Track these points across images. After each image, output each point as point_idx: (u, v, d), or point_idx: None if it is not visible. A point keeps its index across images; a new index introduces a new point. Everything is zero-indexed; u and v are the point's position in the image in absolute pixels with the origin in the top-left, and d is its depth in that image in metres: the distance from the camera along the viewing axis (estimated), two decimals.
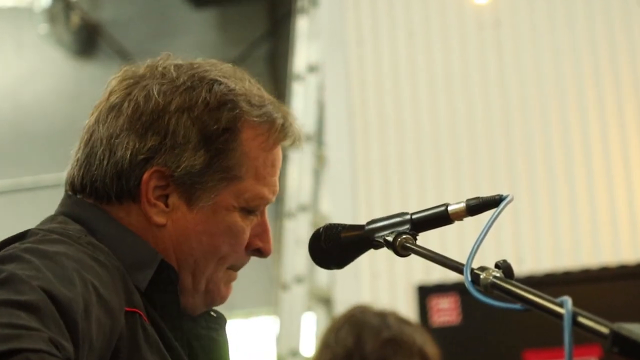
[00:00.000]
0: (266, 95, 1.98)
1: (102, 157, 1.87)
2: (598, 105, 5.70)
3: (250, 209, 1.92)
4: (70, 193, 1.92)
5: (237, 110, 1.89)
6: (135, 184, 1.86)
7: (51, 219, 1.88)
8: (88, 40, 8.55)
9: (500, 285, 1.62)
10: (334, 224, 2.02)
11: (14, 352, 1.34)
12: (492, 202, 1.89)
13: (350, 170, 5.77)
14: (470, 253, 1.69)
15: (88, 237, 1.79)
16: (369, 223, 1.98)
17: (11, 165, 7.81)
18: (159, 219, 1.87)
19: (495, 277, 1.64)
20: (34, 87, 7.97)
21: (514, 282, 1.62)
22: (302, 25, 6.87)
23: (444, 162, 5.78)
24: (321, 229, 2.01)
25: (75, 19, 8.55)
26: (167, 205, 1.87)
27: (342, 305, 5.68)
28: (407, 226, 1.93)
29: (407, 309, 5.46)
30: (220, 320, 1.99)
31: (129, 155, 1.85)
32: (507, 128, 5.79)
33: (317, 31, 6.54)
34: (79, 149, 1.92)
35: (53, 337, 1.42)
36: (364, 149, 5.83)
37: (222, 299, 1.97)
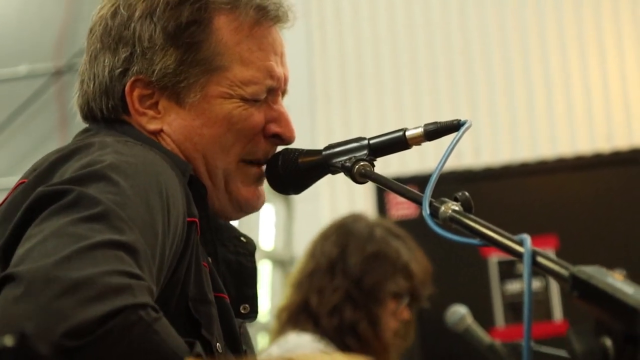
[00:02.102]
0: None
1: (89, 82, 1.92)
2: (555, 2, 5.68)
3: (249, 97, 1.91)
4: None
5: (202, 2, 1.89)
6: (119, 98, 1.89)
7: (96, 130, 1.90)
8: None
9: (459, 220, 1.61)
10: (291, 149, 2.00)
11: (126, 308, 1.36)
12: (451, 127, 1.88)
13: (308, 70, 5.71)
14: (429, 184, 1.67)
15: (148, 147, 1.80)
16: (326, 148, 1.96)
17: None
18: (153, 126, 1.89)
19: (454, 210, 1.62)
20: None
21: (472, 216, 1.60)
22: None
23: (401, 58, 5.74)
24: (278, 155, 1.98)
25: None
26: (158, 112, 1.89)
27: (300, 198, 5.69)
28: (365, 152, 1.92)
29: (366, 202, 5.48)
30: (249, 246, 2.00)
31: (107, 72, 1.90)
32: (464, 11, 5.74)
33: None
34: (76, 82, 1.98)
35: (150, 285, 1.44)
36: (321, 50, 5.76)
37: (247, 200, 1.96)
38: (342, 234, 3.54)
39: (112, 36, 1.89)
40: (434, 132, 1.89)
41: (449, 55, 5.69)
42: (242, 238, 2.00)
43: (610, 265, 5.04)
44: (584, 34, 5.60)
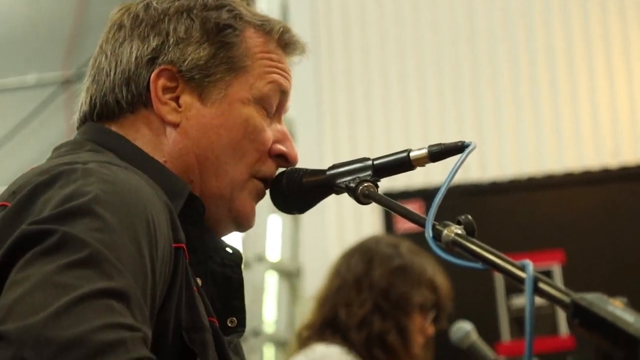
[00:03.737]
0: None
1: (108, 70, 1.89)
2: (564, 13, 5.66)
3: (265, 101, 1.93)
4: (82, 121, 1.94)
5: (236, 12, 1.94)
6: (144, 86, 1.88)
7: (79, 144, 1.86)
8: None
9: (462, 244, 1.62)
10: (295, 169, 2.00)
11: None
12: (455, 149, 1.89)
13: (314, 76, 5.71)
14: (431, 207, 1.68)
15: (131, 168, 1.75)
16: (330, 168, 1.97)
17: None
18: (173, 118, 1.88)
19: (456, 234, 1.63)
20: None
21: (475, 240, 1.61)
22: None
23: (407, 65, 5.75)
24: (283, 174, 1.99)
25: None
26: (179, 106, 1.89)
27: None
28: (369, 172, 1.92)
29: (372, 214, 5.48)
30: (236, 257, 1.96)
31: (134, 59, 1.88)
32: (472, 27, 5.74)
33: None
34: (87, 80, 1.94)
35: (145, 334, 1.40)
36: (328, 54, 5.77)
37: (246, 216, 1.95)
38: (366, 251, 3.62)
39: (143, 26, 1.90)
40: (438, 153, 1.89)
41: (456, 70, 5.69)
42: (227, 249, 1.96)
43: (618, 280, 5.04)
44: (591, 49, 5.59)
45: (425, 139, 5.41)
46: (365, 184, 1.89)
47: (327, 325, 3.53)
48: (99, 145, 1.85)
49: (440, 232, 1.65)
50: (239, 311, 1.94)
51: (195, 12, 1.91)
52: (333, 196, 2.01)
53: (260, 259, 5.76)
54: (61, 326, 1.32)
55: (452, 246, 1.63)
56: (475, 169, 5.51)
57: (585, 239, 5.31)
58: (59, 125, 6.87)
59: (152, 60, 1.88)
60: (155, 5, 1.92)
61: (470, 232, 1.65)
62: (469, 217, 1.67)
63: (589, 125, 5.52)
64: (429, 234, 1.66)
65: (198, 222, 1.84)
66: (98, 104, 1.90)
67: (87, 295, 1.36)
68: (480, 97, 5.64)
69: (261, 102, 1.93)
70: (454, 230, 1.64)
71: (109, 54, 1.90)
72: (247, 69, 1.92)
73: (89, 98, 1.92)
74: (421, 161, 1.92)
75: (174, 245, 1.66)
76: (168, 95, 1.88)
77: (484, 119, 5.61)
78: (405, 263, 3.57)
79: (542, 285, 1.46)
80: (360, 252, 3.63)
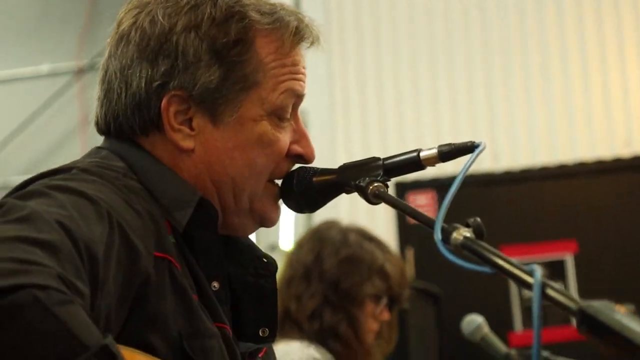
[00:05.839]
0: (277, 2, 1.93)
1: (119, 91, 1.84)
2: (576, 7, 5.65)
3: (279, 111, 1.88)
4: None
5: (247, 21, 1.85)
6: (155, 112, 1.83)
7: (95, 151, 1.86)
8: None
9: (470, 247, 1.61)
10: (306, 168, 2.00)
11: (17, 288, 1.30)
12: (465, 149, 1.88)
13: (327, 68, 5.72)
14: (441, 209, 1.68)
15: (125, 179, 1.76)
16: (340, 168, 1.96)
17: None
18: (186, 144, 1.84)
19: (465, 237, 1.62)
20: None
21: (484, 244, 1.60)
22: None
23: (419, 57, 5.74)
24: (293, 173, 1.99)
25: None
26: (192, 129, 1.84)
27: None
28: (379, 172, 1.92)
29: (385, 207, 5.48)
30: (271, 267, 1.95)
31: (144, 84, 1.82)
32: (484, 21, 5.74)
33: None
34: (99, 88, 1.90)
35: (63, 274, 1.37)
36: (340, 47, 5.77)
37: (271, 219, 1.94)
38: (316, 240, 3.56)
39: (151, 46, 1.82)
40: (448, 153, 1.89)
41: (469, 62, 5.69)
42: (264, 259, 1.95)
43: (630, 269, 5.03)
44: (604, 40, 5.58)
45: (437, 130, 5.42)
46: (376, 184, 1.89)
47: (283, 318, 3.51)
48: (114, 154, 1.84)
49: (449, 234, 1.65)
50: (271, 321, 1.93)
51: (203, 29, 1.83)
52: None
53: (274, 248, 5.78)
54: None
55: (461, 249, 1.63)
56: (487, 160, 5.51)
57: (597, 228, 5.31)
58: (73, 114, 6.91)
59: (162, 86, 1.82)
60: (161, 19, 1.83)
61: (479, 235, 1.64)
62: (478, 219, 1.66)
63: (601, 116, 5.51)
64: (437, 236, 1.65)
65: (211, 226, 1.83)
66: (112, 125, 1.87)
67: (7, 239, 1.38)
68: (492, 89, 5.64)
69: (275, 113, 1.88)
70: (462, 233, 1.63)
71: (117, 73, 1.85)
72: (259, 84, 1.86)
73: (103, 115, 1.89)
74: (431, 161, 1.92)
75: (155, 253, 1.66)
76: (180, 119, 1.84)
77: (497, 110, 5.61)
78: (354, 253, 3.50)
79: (549, 292, 1.45)
80: (311, 240, 3.58)
